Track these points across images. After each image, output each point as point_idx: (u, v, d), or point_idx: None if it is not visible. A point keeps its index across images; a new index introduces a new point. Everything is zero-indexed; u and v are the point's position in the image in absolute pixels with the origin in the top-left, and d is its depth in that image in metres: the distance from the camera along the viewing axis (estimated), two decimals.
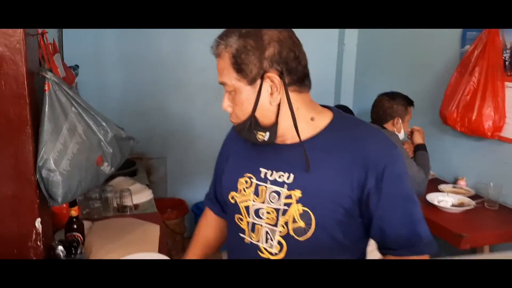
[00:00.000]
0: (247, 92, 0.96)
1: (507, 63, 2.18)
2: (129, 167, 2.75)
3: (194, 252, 1.28)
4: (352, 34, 3.52)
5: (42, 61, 1.39)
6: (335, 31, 3.57)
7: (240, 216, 1.07)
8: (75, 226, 1.56)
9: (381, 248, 1.01)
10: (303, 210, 0.96)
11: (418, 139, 2.30)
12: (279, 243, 0.99)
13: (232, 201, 1.09)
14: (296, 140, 0.99)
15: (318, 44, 3.55)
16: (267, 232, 1.01)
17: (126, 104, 3.24)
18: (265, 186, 1.02)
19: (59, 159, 1.26)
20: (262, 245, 1.02)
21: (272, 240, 1.00)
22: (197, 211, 3.38)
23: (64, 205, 1.64)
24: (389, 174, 0.93)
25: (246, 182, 1.06)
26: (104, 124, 1.41)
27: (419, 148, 2.28)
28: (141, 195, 2.26)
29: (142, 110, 3.29)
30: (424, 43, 2.80)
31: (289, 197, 0.97)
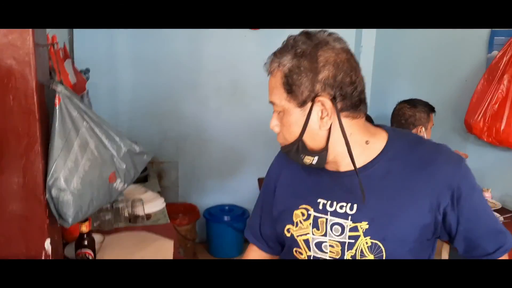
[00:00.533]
0: (296, 115, 0.91)
1: None
2: (141, 173, 2.68)
3: None
4: (369, 36, 3.41)
5: (53, 72, 1.32)
6: (352, 32, 3.46)
7: (299, 250, 1.00)
8: (85, 243, 1.50)
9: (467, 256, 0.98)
10: (372, 243, 0.91)
11: None
12: None
13: (288, 234, 1.02)
14: (351, 167, 0.93)
15: None
16: None
17: (138, 106, 3.18)
18: (325, 218, 0.96)
19: (70, 177, 1.20)
20: None
21: None
22: (209, 216, 3.32)
23: None
24: (466, 188, 0.91)
25: (303, 214, 0.99)
26: (117, 139, 1.34)
27: None
28: (153, 204, 2.20)
29: (154, 113, 3.22)
30: (447, 47, 2.69)
31: (354, 229, 0.93)
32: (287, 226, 1.01)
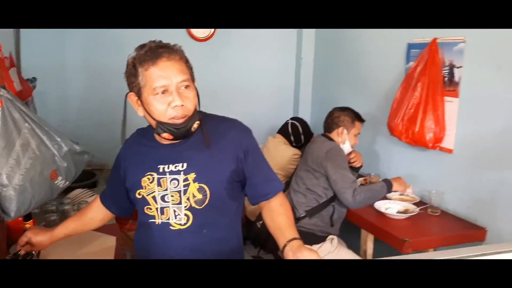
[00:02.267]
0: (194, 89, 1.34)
1: (446, 79, 2.36)
2: (89, 179, 2.76)
3: (69, 224, 1.53)
4: (308, 49, 3.67)
5: None
6: (293, 46, 3.71)
7: (149, 206, 1.32)
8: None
9: (253, 200, 1.38)
10: (199, 186, 1.27)
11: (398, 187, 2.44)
12: (186, 215, 1.28)
13: (139, 197, 1.33)
14: (176, 141, 1.31)
15: (276, 57, 3.69)
16: (174, 211, 1.29)
17: (87, 115, 3.25)
18: (166, 178, 1.29)
19: (12, 174, 1.30)
20: (171, 221, 1.29)
21: (179, 215, 1.28)
22: None
23: (20, 219, 1.66)
24: (251, 148, 1.35)
25: (149, 179, 1.32)
26: (58, 139, 1.45)
27: (384, 181, 2.41)
28: None
29: (104, 121, 3.29)
30: (374, 58, 2.97)
31: (186, 180, 1.28)
32: (138, 191, 1.33)
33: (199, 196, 1.27)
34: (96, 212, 1.56)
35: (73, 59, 3.16)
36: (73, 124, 3.20)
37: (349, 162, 2.51)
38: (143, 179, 1.32)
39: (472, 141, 2.24)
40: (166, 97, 1.22)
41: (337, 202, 2.32)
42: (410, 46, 2.62)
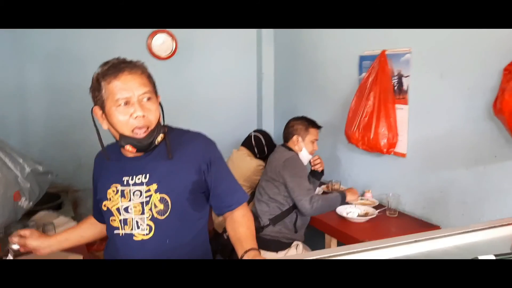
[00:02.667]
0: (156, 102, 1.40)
1: (396, 87, 2.51)
2: (54, 201, 2.74)
3: (69, 236, 1.60)
4: (269, 63, 3.79)
5: None
6: (254, 61, 3.83)
7: (113, 218, 1.36)
8: None
9: (218, 211, 1.43)
10: (161, 197, 1.31)
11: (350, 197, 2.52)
12: (148, 225, 1.32)
13: (105, 208, 1.37)
14: (140, 154, 1.35)
15: (238, 73, 3.79)
16: (137, 222, 1.32)
17: (50, 136, 3.22)
18: (129, 189, 1.33)
19: None
20: (134, 231, 1.32)
21: (142, 225, 1.32)
22: None
23: None
24: (214, 159, 1.40)
25: (114, 191, 1.35)
26: (20, 160, 1.47)
27: (339, 193, 2.50)
28: (65, 228, 2.27)
29: (67, 141, 3.28)
30: (330, 71, 3.11)
31: (148, 191, 1.32)
32: (104, 203, 1.37)
33: (161, 206, 1.31)
34: (91, 228, 1.60)
35: (33, 81, 3.14)
36: (35, 146, 3.17)
37: (313, 165, 2.60)
38: (108, 191, 1.36)
39: (422, 144, 2.39)
40: (128, 108, 1.26)
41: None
42: (362, 58, 2.77)
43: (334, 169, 3.07)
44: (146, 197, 1.31)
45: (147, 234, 1.31)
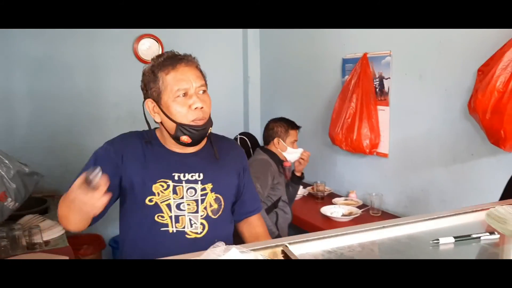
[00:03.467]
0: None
1: (377, 89, 2.58)
2: (40, 205, 2.74)
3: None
4: (255, 66, 3.84)
5: None
6: (240, 64, 3.88)
7: (161, 214, 1.30)
8: None
9: (238, 217, 1.48)
10: (216, 196, 1.34)
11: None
12: (202, 224, 1.31)
13: (151, 203, 1.29)
14: (192, 150, 1.36)
15: (224, 77, 3.83)
16: (190, 219, 1.30)
17: (36, 141, 3.22)
18: (182, 186, 1.30)
19: None
20: (187, 229, 1.30)
21: (195, 223, 1.30)
22: (115, 245, 3.40)
23: None
24: (247, 167, 1.50)
25: (162, 186, 1.30)
26: (6, 161, 1.50)
27: (292, 180, 2.53)
28: (52, 231, 2.27)
29: (53, 147, 3.29)
30: (314, 74, 3.17)
31: (203, 189, 1.33)
32: (149, 197, 1.28)
33: (216, 206, 1.34)
34: None
35: (19, 86, 3.14)
36: (22, 151, 3.16)
37: (300, 157, 2.55)
38: (155, 185, 1.29)
39: (403, 145, 2.46)
40: (187, 99, 1.26)
41: (279, 208, 2.44)
42: (345, 61, 2.83)
43: (319, 170, 3.12)
44: (201, 195, 1.32)
45: (200, 233, 1.30)
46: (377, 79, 2.58)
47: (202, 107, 1.27)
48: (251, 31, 3.78)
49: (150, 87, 1.28)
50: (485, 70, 1.85)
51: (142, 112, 1.34)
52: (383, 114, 2.56)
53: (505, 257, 0.82)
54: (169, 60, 1.27)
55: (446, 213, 0.97)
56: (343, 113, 2.67)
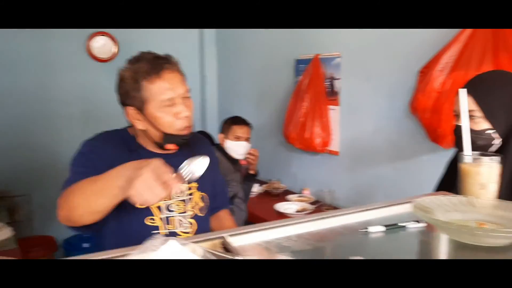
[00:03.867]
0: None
1: (328, 89, 2.66)
2: None
3: None
4: (212, 66, 3.86)
5: None
6: (196, 64, 3.89)
7: (152, 217, 1.26)
8: None
9: (210, 211, 1.44)
10: (201, 195, 1.37)
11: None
12: (190, 223, 1.32)
13: (141, 206, 1.18)
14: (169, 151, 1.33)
15: None
16: (179, 220, 1.30)
17: None
18: None
19: None
20: (177, 230, 1.29)
21: (185, 223, 1.30)
22: (68, 246, 3.32)
23: None
24: (217, 161, 1.55)
25: None
26: None
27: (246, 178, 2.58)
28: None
29: (3, 147, 3.17)
30: (269, 74, 3.23)
31: (189, 189, 1.35)
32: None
33: (202, 204, 1.36)
34: None
35: None
36: None
37: (247, 157, 2.60)
38: None
39: (352, 143, 2.56)
40: (173, 108, 1.22)
41: (235, 204, 2.48)
42: (298, 62, 2.91)
43: (274, 168, 3.18)
44: (188, 195, 1.33)
45: (190, 232, 1.31)
46: (328, 80, 2.67)
47: (189, 115, 1.25)
48: (207, 31, 3.80)
49: (131, 95, 1.22)
50: (425, 72, 1.97)
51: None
52: (334, 113, 2.65)
53: (429, 244, 0.89)
54: (151, 65, 1.20)
55: (379, 204, 1.04)
56: (296, 113, 2.74)
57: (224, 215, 1.53)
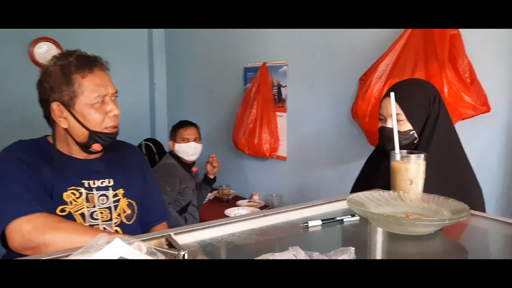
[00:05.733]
0: None
1: (276, 97, 2.74)
2: None
3: None
4: (160, 75, 3.85)
5: None
6: (145, 71, 3.86)
7: None
8: None
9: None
10: (128, 202, 1.30)
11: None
12: (116, 231, 1.25)
13: (63, 214, 1.18)
14: (97, 156, 1.30)
15: (129, 84, 3.77)
16: (104, 228, 1.23)
17: None
18: (93, 193, 1.24)
19: None
20: None
21: (110, 231, 1.23)
22: None
23: None
24: (148, 170, 1.47)
25: (74, 194, 1.21)
26: None
27: (205, 182, 2.67)
28: None
29: None
30: (218, 82, 3.28)
31: (115, 195, 1.28)
32: (61, 207, 1.18)
33: (129, 211, 1.30)
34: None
35: None
36: None
37: (210, 161, 2.64)
38: (66, 193, 1.20)
39: (298, 148, 2.65)
40: (104, 106, 1.21)
41: (188, 212, 2.48)
42: (246, 70, 2.97)
43: (224, 174, 3.20)
44: (114, 202, 1.27)
45: None
46: (276, 87, 2.75)
47: (118, 114, 1.25)
48: (156, 37, 3.79)
49: (60, 89, 1.17)
50: (365, 79, 2.09)
51: (41, 117, 1.23)
52: (281, 119, 2.73)
53: (363, 235, 0.96)
54: (83, 61, 1.19)
55: (318, 201, 1.11)
56: (245, 119, 2.80)
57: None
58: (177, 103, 3.80)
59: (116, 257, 0.75)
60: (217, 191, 3.08)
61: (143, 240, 0.84)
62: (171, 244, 0.85)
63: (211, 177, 2.71)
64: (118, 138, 1.38)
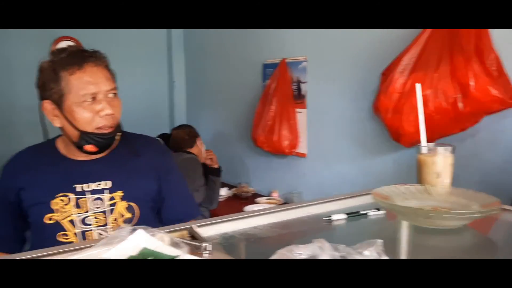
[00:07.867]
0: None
1: (295, 93, 2.72)
2: None
3: None
4: (179, 73, 3.87)
5: None
6: (165, 70, 3.88)
7: (64, 232, 1.17)
8: None
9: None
10: (128, 205, 1.20)
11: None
12: None
13: (50, 222, 1.15)
14: (98, 156, 1.22)
15: (149, 81, 3.81)
16: (99, 234, 1.17)
17: None
18: (86, 198, 1.18)
19: None
20: None
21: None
22: None
23: None
24: (170, 166, 1.34)
25: (62, 201, 1.16)
26: None
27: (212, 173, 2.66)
28: None
29: None
30: (237, 79, 3.27)
31: (112, 198, 1.19)
32: (48, 216, 1.15)
33: (128, 215, 1.20)
34: None
35: None
36: None
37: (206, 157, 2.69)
38: (54, 201, 1.16)
39: (318, 144, 2.62)
40: (95, 105, 1.13)
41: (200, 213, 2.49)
42: (265, 66, 2.96)
43: (243, 171, 3.21)
44: (110, 205, 1.19)
45: None
46: (295, 83, 2.72)
47: (112, 114, 1.15)
48: (175, 36, 3.81)
49: (49, 87, 1.12)
50: (387, 74, 2.05)
51: (42, 116, 1.20)
52: (301, 116, 2.71)
53: (389, 229, 0.94)
54: (74, 57, 1.12)
55: (342, 196, 1.08)
56: (264, 116, 2.78)
57: None
58: (196, 101, 3.82)
59: (139, 248, 0.75)
60: (235, 188, 3.07)
61: (166, 232, 0.83)
62: (193, 237, 0.84)
63: (216, 166, 2.69)
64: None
